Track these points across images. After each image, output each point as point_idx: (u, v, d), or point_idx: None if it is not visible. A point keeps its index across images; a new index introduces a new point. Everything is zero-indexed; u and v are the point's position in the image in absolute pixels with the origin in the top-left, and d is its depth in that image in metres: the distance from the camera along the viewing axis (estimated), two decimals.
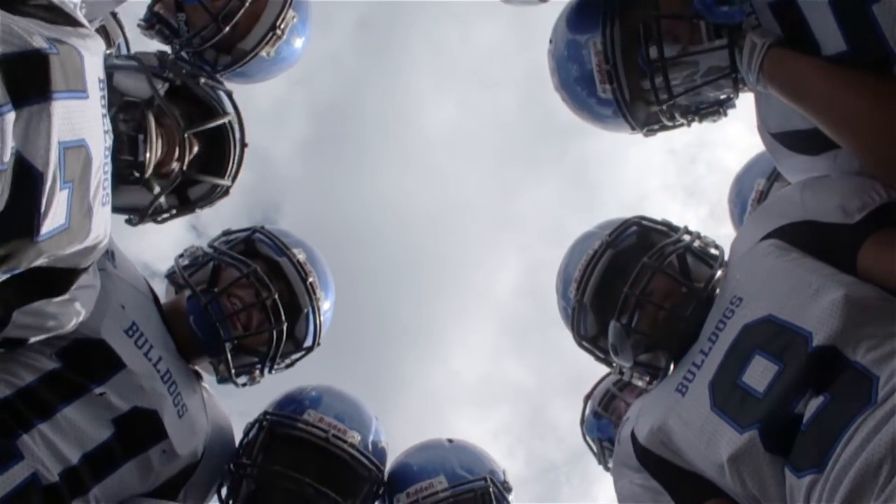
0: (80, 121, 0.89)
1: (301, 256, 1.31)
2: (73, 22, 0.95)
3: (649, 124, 1.24)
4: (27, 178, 0.82)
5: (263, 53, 1.36)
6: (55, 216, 0.87)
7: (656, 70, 1.11)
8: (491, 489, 1.35)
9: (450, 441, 1.47)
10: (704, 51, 1.08)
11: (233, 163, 1.28)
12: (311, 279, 1.29)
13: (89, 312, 1.05)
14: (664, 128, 1.25)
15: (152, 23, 1.31)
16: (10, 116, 0.78)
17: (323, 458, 1.28)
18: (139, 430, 1.11)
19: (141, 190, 1.18)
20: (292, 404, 1.34)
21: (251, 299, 1.22)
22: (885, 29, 0.88)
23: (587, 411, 1.63)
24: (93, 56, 0.92)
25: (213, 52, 1.34)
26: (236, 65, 1.35)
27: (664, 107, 1.15)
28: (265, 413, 1.34)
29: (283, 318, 1.24)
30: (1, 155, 0.78)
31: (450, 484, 1.35)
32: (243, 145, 1.29)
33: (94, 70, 0.92)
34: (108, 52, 1.22)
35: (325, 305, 1.35)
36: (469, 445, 1.46)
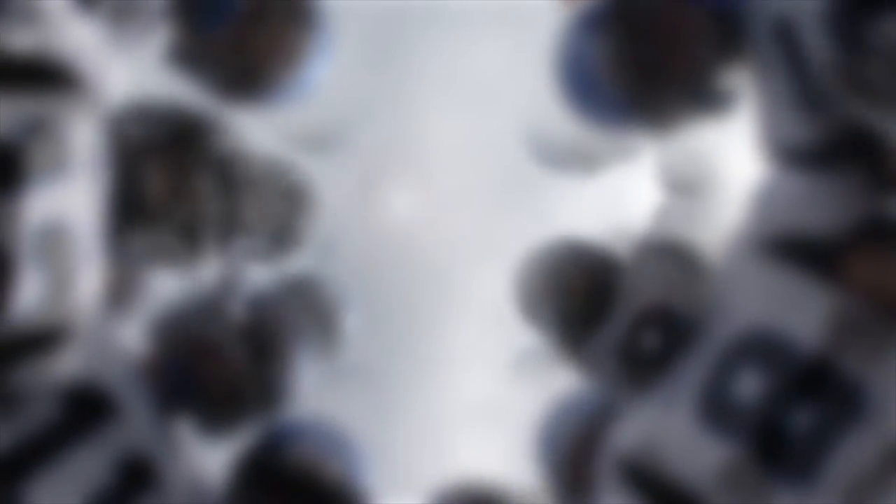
0: (62, 197, 0.91)
1: None
2: (69, 81, 0.94)
3: None
4: None
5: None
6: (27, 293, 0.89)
7: None
8: None
9: None
10: None
11: None
12: None
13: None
14: None
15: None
16: None
17: (306, 492, 1.28)
18: (136, 479, 1.11)
19: None
20: (273, 439, 1.34)
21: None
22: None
23: None
24: (86, 119, 0.94)
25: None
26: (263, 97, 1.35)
27: None
28: (246, 450, 1.33)
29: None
30: None
31: None
32: None
33: (84, 136, 0.94)
34: None
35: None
36: None
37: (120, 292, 1.11)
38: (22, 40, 0.86)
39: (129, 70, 1.03)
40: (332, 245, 1.61)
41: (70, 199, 0.93)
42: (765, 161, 1.13)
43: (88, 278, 1.00)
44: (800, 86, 0.98)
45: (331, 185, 1.56)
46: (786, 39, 0.97)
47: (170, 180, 1.13)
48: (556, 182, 1.64)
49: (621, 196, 1.51)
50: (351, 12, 1.43)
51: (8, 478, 1.01)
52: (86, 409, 1.08)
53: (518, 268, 1.33)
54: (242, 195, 1.24)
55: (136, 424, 1.12)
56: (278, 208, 1.32)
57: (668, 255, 1.25)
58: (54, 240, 0.91)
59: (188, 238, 1.20)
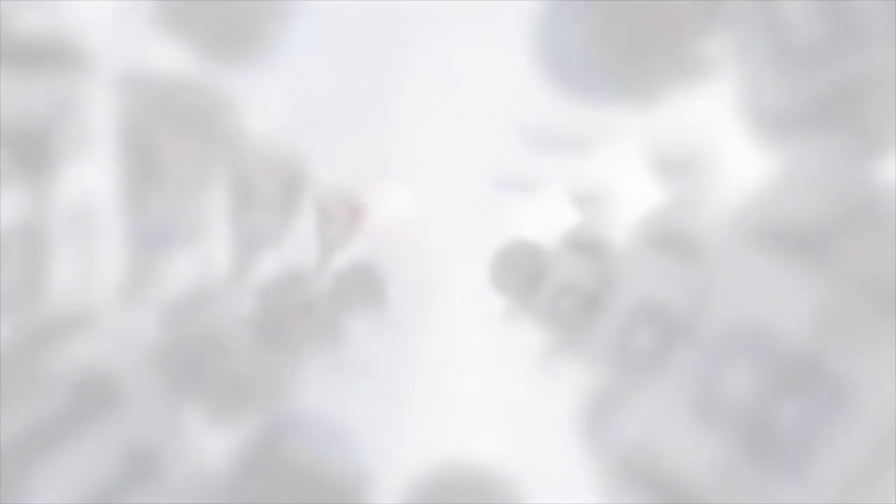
0: (88, 175, 0.92)
1: None
2: (83, 56, 0.96)
3: None
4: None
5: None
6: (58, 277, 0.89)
7: None
8: None
9: None
10: None
11: None
12: None
13: None
14: None
15: None
16: None
17: (308, 487, 1.30)
18: (142, 470, 1.13)
19: None
20: (273, 431, 1.35)
21: None
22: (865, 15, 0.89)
23: None
24: (102, 93, 0.95)
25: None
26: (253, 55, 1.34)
27: None
28: (249, 443, 1.35)
29: None
30: None
31: None
32: None
33: (103, 111, 0.95)
34: None
35: None
36: None
37: (132, 278, 1.12)
38: (31, 19, 0.85)
39: (125, 33, 1.02)
40: (330, 240, 1.62)
41: (96, 177, 0.94)
42: (751, 132, 1.14)
43: (112, 260, 1.00)
44: (780, 48, 0.99)
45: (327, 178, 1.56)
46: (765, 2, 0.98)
47: (185, 143, 1.14)
48: (554, 177, 1.65)
49: (614, 185, 1.52)
50: (345, 10, 1.44)
51: (13, 466, 1.02)
52: (94, 396, 1.09)
53: (514, 265, 1.34)
54: (250, 165, 1.25)
55: (143, 414, 1.13)
56: (282, 181, 1.32)
57: (662, 246, 1.26)
58: (83, 221, 0.91)
59: (204, 202, 1.20)
